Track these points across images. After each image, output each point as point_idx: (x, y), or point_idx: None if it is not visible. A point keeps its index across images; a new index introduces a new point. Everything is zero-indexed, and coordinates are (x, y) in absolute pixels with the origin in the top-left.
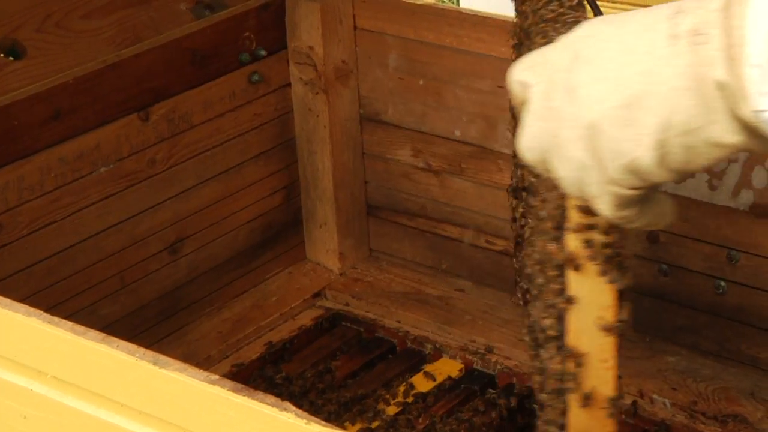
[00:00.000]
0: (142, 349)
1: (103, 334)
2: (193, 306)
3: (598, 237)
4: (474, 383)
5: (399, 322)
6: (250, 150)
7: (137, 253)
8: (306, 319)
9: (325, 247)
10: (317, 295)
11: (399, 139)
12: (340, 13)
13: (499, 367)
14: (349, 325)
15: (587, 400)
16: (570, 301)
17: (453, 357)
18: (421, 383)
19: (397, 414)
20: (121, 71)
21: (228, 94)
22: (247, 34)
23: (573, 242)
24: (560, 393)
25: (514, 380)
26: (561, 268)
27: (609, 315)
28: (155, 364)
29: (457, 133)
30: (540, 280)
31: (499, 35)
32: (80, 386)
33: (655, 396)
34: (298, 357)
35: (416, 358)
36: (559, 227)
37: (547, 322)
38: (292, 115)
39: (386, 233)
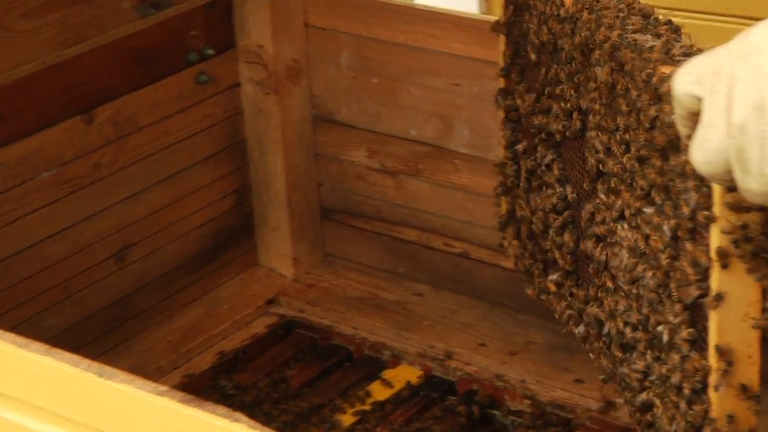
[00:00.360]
0: (87, 361)
1: (47, 346)
2: (141, 315)
3: (749, 235)
4: (433, 390)
5: (355, 328)
6: (199, 153)
7: (82, 261)
8: (259, 326)
9: (279, 252)
10: (271, 301)
11: (353, 140)
12: (291, 10)
13: (458, 373)
14: (304, 332)
15: (740, 394)
16: (719, 299)
17: (411, 363)
18: (379, 391)
19: (355, 423)
20: (63, 72)
21: (175, 95)
22: (194, 32)
23: (723, 241)
24: (701, 392)
25: (475, 386)
26: (704, 270)
27: (755, 311)
28: (101, 375)
29: (413, 133)
30: (673, 285)
31: (454, 32)
32: (23, 401)
33: (619, 400)
34: (251, 366)
35: (374, 366)
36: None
37: (679, 320)
38: (243, 116)
39: (341, 237)
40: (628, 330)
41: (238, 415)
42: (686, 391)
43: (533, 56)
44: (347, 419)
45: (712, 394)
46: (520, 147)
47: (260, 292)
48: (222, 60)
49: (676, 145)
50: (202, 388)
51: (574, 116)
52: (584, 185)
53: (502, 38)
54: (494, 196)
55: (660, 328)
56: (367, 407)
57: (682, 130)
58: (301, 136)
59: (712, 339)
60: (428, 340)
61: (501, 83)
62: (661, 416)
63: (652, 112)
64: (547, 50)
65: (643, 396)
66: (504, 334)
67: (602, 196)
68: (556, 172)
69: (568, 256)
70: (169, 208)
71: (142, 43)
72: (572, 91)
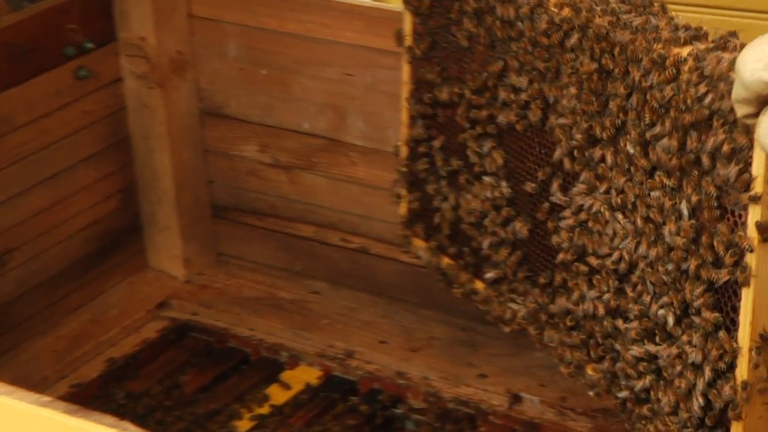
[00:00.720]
0: None
1: None
2: (24, 324)
3: None
4: (334, 391)
5: (252, 329)
6: (81, 151)
7: None
8: (150, 331)
9: (169, 253)
10: (162, 305)
11: (243, 134)
12: (174, 0)
13: (360, 372)
14: (197, 335)
15: None
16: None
17: (311, 364)
18: (278, 394)
19: (253, 428)
20: None
21: (53, 91)
22: (71, 25)
23: (764, 215)
24: (727, 373)
25: (377, 385)
26: (741, 252)
27: None
28: None
29: (306, 126)
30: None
31: (345, 20)
32: None
33: (523, 394)
34: (143, 373)
35: (272, 368)
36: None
37: (700, 302)
38: (126, 112)
39: (234, 235)
40: (617, 319)
41: (125, 424)
42: (708, 373)
43: (464, 43)
44: (245, 425)
45: (742, 374)
46: (436, 143)
47: (150, 296)
48: (102, 54)
49: (707, 124)
50: (91, 397)
51: (532, 107)
52: (542, 176)
53: (408, 26)
54: (394, 194)
55: (662, 311)
56: (265, 411)
57: (741, 111)
58: (189, 132)
59: (746, 319)
60: (327, 339)
61: (406, 75)
62: (662, 403)
63: (668, 92)
64: (485, 40)
65: (642, 382)
66: (405, 330)
67: (582, 184)
68: (496, 165)
69: (514, 253)
70: (50, 210)
71: (15, 37)
72: (530, 81)
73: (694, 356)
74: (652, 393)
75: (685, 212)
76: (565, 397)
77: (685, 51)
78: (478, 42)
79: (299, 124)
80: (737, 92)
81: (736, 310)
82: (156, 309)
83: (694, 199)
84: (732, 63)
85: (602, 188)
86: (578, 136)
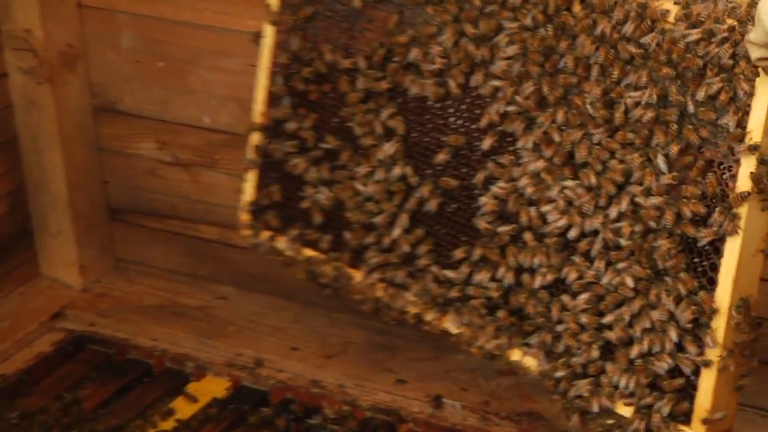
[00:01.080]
0: None
1: None
2: None
3: None
4: (244, 402)
5: (155, 339)
6: None
7: None
8: (45, 344)
9: (63, 259)
10: (56, 316)
11: (140, 131)
12: None
13: (271, 381)
14: (96, 347)
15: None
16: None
17: (218, 374)
18: (183, 407)
19: None
20: None
21: None
22: None
23: (758, 168)
24: (702, 330)
25: (289, 395)
26: (730, 204)
27: (764, 244)
28: None
29: (207, 120)
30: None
31: (246, 7)
32: None
33: (444, 399)
34: (38, 389)
35: (176, 380)
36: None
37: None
38: (12, 109)
39: (133, 239)
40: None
41: None
42: (675, 337)
43: (358, 4)
44: None
45: (720, 334)
46: (307, 122)
47: (44, 306)
48: None
49: (699, 73)
50: None
51: (454, 73)
52: (456, 144)
53: None
54: (245, 179)
55: (618, 278)
56: (170, 426)
57: (757, 53)
58: (81, 129)
59: (728, 276)
60: (235, 347)
61: (268, 49)
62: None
63: (651, 40)
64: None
65: (589, 354)
66: (318, 335)
67: (526, 151)
68: (394, 149)
69: (418, 234)
70: None
71: None
72: (455, 45)
73: (662, 319)
74: (593, 367)
75: (663, 166)
76: (488, 401)
77: (664, 3)
78: (377, 7)
79: (199, 118)
80: (758, 36)
81: (715, 268)
82: (50, 320)
83: (674, 150)
84: (730, 9)
85: (547, 152)
86: (519, 98)
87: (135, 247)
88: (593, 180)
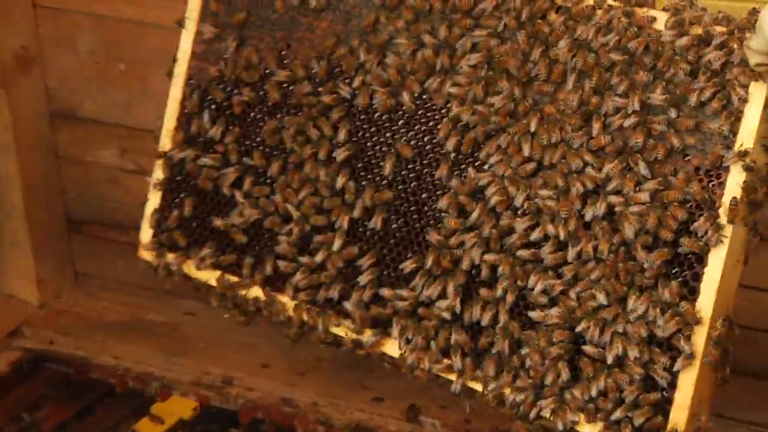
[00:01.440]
0: None
1: None
2: None
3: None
4: (212, 423)
5: (117, 358)
6: None
7: None
8: (1, 363)
9: (19, 273)
10: (13, 333)
11: (100, 137)
12: None
13: (240, 400)
14: (55, 366)
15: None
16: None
17: (185, 394)
18: (148, 429)
19: None
20: None
21: None
22: None
23: (748, 177)
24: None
25: (260, 414)
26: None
27: (744, 254)
28: None
29: None
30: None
31: None
32: None
33: (423, 417)
34: None
35: (140, 400)
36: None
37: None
38: None
39: (95, 252)
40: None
41: None
42: (662, 347)
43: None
44: None
45: (699, 345)
46: (230, 136)
47: None
48: None
49: (688, 79)
50: None
51: (408, 82)
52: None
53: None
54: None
55: (588, 293)
56: None
57: (755, 60)
58: (38, 136)
59: (711, 286)
60: (203, 365)
61: (184, 59)
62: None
63: (637, 45)
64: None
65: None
66: (290, 351)
67: (491, 157)
68: (342, 156)
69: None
70: None
71: None
72: (413, 53)
73: (639, 330)
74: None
75: (645, 171)
76: (468, 419)
77: (647, 10)
78: (320, 16)
79: None
80: (759, 44)
81: (698, 277)
82: (6, 338)
83: (659, 154)
84: (722, 18)
85: (515, 160)
86: (496, 104)
87: (96, 260)
88: (568, 186)
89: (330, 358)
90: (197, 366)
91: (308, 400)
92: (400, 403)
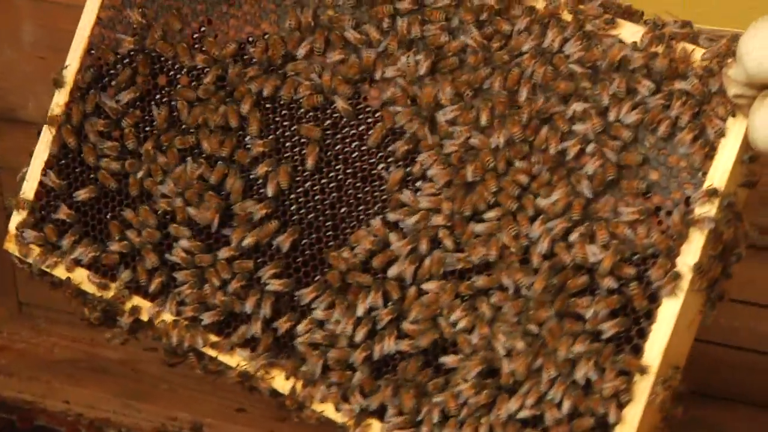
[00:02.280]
0: None
1: None
2: None
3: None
4: None
5: (67, 402)
6: None
7: None
8: None
9: None
10: None
11: None
12: None
13: None
14: None
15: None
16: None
17: None
18: None
19: None
20: None
21: None
22: None
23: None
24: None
25: None
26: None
27: (701, 314)
28: None
29: None
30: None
31: None
32: None
33: None
34: None
35: None
36: None
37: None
38: None
39: (41, 279)
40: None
41: None
42: (613, 398)
43: None
44: None
45: (638, 414)
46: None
47: None
48: None
49: (664, 106)
50: None
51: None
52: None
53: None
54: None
55: (508, 342)
56: None
57: (734, 90)
58: None
59: (658, 346)
60: (168, 409)
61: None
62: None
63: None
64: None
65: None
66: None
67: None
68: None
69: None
70: None
71: None
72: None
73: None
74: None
75: (587, 191)
76: None
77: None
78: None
79: None
80: (738, 74)
81: (643, 334)
82: None
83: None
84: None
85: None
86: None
87: (43, 289)
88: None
89: None
90: (162, 411)
91: None
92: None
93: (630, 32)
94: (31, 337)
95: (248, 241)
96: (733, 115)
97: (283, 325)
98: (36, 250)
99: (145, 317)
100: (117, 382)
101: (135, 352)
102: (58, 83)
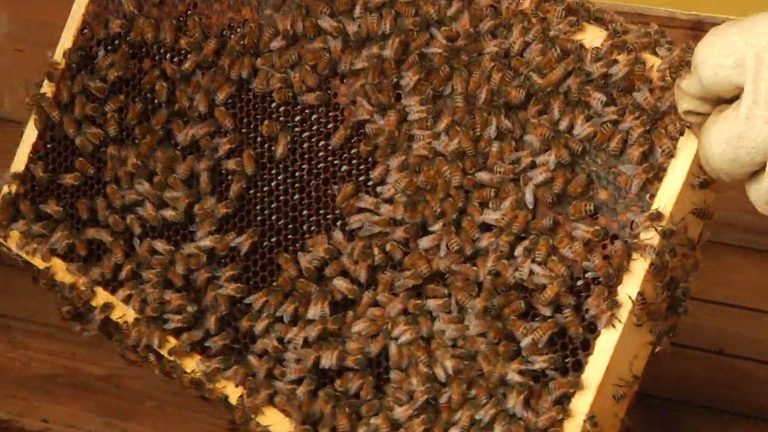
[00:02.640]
0: None
1: None
2: None
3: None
4: None
5: (46, 421)
6: None
7: None
8: None
9: None
10: None
11: None
12: None
13: None
14: None
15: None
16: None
17: None
18: None
19: None
20: None
21: None
22: None
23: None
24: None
25: None
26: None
27: (645, 350)
28: None
29: None
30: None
31: None
32: None
33: None
34: None
35: None
36: None
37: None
38: None
39: (17, 288)
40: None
41: None
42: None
43: None
44: None
45: None
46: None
47: None
48: None
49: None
50: None
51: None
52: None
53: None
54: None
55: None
56: None
57: (685, 105)
58: None
59: (593, 379)
60: (154, 429)
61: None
62: None
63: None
64: None
65: None
66: None
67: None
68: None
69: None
70: None
71: None
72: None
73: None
74: None
75: (530, 198)
76: None
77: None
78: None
79: None
80: (691, 86)
81: (580, 366)
82: None
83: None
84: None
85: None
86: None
87: (19, 299)
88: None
89: None
90: (146, 430)
91: None
92: None
93: (593, 36)
94: (6, 350)
95: (206, 243)
96: (681, 134)
97: (241, 325)
98: (16, 234)
99: (115, 315)
100: (99, 400)
101: (118, 367)
102: (52, 77)
